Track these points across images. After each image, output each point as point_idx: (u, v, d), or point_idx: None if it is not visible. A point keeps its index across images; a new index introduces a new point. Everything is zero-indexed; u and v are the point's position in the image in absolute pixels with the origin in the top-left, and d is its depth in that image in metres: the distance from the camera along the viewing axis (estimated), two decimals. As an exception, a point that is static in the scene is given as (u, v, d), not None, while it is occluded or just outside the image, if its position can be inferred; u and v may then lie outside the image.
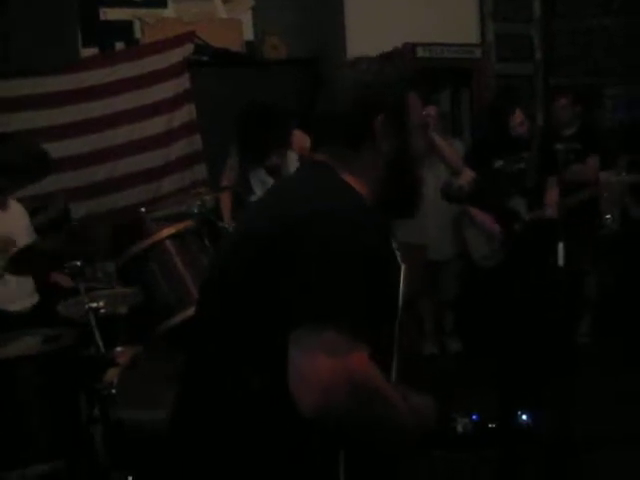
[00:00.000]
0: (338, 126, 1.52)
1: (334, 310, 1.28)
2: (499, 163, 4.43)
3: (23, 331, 3.06)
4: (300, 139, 4.34)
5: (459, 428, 1.56)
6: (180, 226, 3.40)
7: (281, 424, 1.37)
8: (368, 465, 1.47)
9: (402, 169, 1.55)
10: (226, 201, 4.39)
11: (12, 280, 3.46)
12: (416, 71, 5.15)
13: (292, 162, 4.33)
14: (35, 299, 3.63)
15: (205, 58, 5.10)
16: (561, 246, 3.11)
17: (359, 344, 1.29)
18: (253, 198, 4.33)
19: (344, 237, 1.33)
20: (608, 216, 4.90)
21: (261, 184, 4.31)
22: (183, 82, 5.03)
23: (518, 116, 4.51)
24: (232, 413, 1.42)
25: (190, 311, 3.17)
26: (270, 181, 4.28)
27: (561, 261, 3.11)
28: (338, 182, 1.48)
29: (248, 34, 5.41)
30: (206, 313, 1.54)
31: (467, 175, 4.45)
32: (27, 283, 3.60)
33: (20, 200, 3.72)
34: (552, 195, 4.05)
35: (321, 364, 1.25)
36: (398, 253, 1.56)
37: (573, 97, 4.86)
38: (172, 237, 3.34)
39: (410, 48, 5.24)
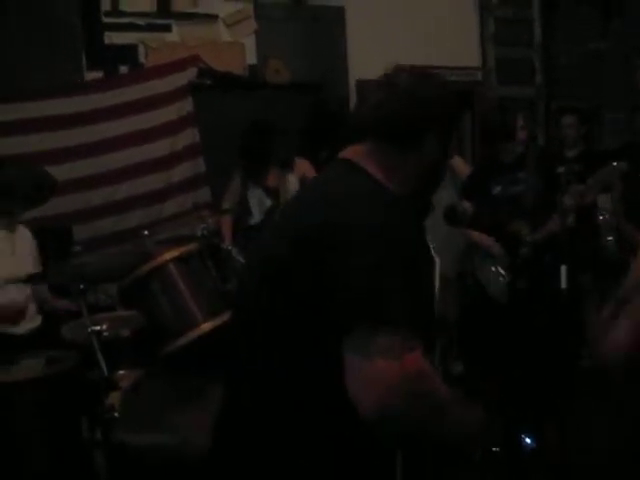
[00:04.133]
0: (394, 123, 1.55)
1: (386, 312, 1.31)
2: (497, 189, 4.39)
3: (26, 354, 3.06)
4: (302, 165, 4.37)
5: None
6: (184, 249, 3.41)
7: (338, 428, 1.40)
8: (423, 467, 1.49)
9: (434, 177, 1.63)
10: (227, 223, 4.41)
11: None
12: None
13: (292, 185, 4.36)
14: (38, 322, 3.62)
15: (208, 81, 5.13)
16: (564, 269, 3.10)
17: (412, 343, 1.32)
18: (252, 221, 4.35)
19: (384, 241, 1.37)
20: (610, 238, 4.89)
21: (259, 205, 4.33)
22: (186, 105, 5.05)
23: (519, 121, 4.42)
24: (284, 418, 1.44)
25: (194, 334, 3.17)
26: (268, 202, 4.30)
27: (564, 284, 3.10)
28: (367, 183, 1.52)
29: (251, 58, 5.44)
30: (246, 319, 1.55)
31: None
32: (30, 306, 3.60)
33: (27, 223, 3.72)
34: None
35: (379, 367, 1.29)
36: (432, 246, 1.62)
37: (580, 117, 4.85)
38: (176, 260, 3.34)
39: (412, 72, 5.27)
